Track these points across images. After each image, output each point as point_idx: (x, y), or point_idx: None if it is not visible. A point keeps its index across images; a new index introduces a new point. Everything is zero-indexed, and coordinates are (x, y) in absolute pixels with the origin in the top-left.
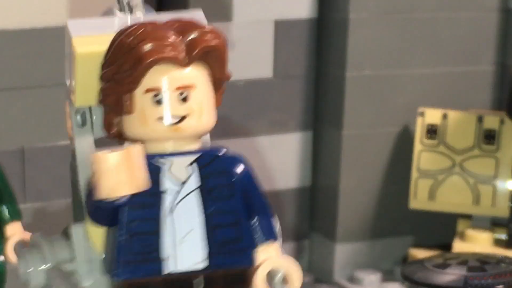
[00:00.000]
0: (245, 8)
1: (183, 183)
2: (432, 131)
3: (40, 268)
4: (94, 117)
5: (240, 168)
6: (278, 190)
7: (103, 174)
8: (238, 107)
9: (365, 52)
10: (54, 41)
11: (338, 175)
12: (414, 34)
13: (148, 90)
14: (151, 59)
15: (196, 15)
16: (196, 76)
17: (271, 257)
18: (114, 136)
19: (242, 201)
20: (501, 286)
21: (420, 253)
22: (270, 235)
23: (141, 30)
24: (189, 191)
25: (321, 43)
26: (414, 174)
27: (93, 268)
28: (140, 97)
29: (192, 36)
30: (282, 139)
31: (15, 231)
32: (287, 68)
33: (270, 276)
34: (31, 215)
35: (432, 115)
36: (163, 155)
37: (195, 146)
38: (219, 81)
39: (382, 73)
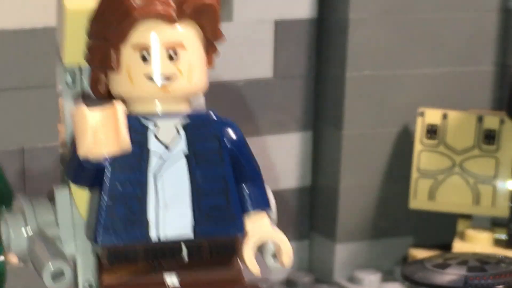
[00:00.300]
0: (245, 8)
1: (170, 146)
2: (432, 131)
3: (20, 231)
4: (83, 77)
5: (230, 133)
6: (278, 190)
7: (82, 131)
8: (238, 107)
9: (365, 52)
10: (54, 41)
11: (338, 175)
12: (414, 34)
13: (135, 46)
14: (138, 13)
15: None
16: (186, 34)
17: (261, 227)
18: (101, 96)
19: (231, 167)
20: (501, 286)
21: (420, 253)
22: (260, 204)
23: None
24: (176, 155)
25: (321, 43)
26: (414, 174)
27: (77, 233)
28: (127, 54)
29: None
30: (282, 139)
31: None
32: (287, 68)
33: (260, 247)
34: None
35: (432, 115)
36: (150, 116)
37: (184, 108)
38: (211, 41)
39: (382, 73)
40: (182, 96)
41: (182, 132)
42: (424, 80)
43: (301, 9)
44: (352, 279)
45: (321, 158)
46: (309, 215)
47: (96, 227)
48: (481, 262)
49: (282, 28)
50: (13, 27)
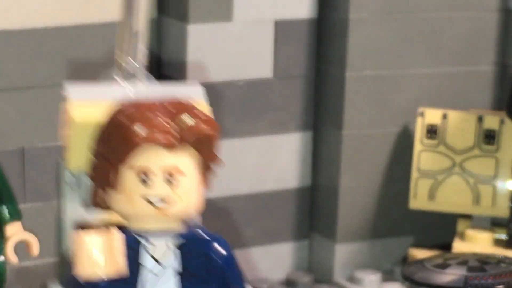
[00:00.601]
0: (245, 8)
1: (163, 263)
2: (432, 131)
3: None
4: (86, 182)
5: (219, 250)
6: (278, 190)
7: (81, 255)
8: (238, 107)
9: (365, 52)
10: (54, 41)
11: (338, 175)
12: (414, 34)
13: (134, 169)
14: (140, 140)
15: (195, 89)
16: (185, 161)
17: None
18: (101, 209)
19: (219, 285)
20: (501, 286)
21: (420, 253)
22: None
23: (135, 110)
24: (168, 271)
25: (321, 43)
26: (414, 174)
27: None
28: (127, 175)
29: (185, 123)
30: (282, 139)
31: (15, 231)
32: (287, 68)
33: None
34: (31, 215)
35: (432, 115)
36: (144, 233)
37: (177, 226)
38: (208, 165)
39: (382, 73)
40: (177, 217)
41: (174, 250)
42: (424, 80)
43: (301, 9)
44: (352, 279)
45: (321, 158)
46: (309, 215)
47: None
48: (481, 262)
49: (282, 28)
50: (13, 27)
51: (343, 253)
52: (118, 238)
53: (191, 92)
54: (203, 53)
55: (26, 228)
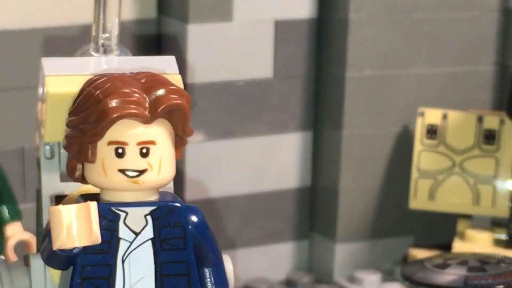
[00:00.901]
0: (245, 8)
1: (138, 233)
2: (432, 131)
3: None
4: (61, 151)
5: (194, 220)
6: (278, 190)
7: (56, 227)
8: (238, 107)
9: (365, 52)
10: (54, 41)
11: (338, 175)
12: (414, 34)
13: (110, 143)
14: (115, 115)
15: (168, 62)
16: (158, 133)
17: None
18: (77, 180)
19: (194, 253)
20: (501, 286)
21: (420, 253)
22: (219, 285)
23: (108, 84)
24: (143, 241)
25: (321, 43)
26: (414, 174)
27: None
28: (103, 148)
29: (157, 94)
30: (282, 139)
31: (15, 231)
32: (287, 68)
33: None
34: (31, 215)
35: (432, 115)
36: (120, 205)
37: (152, 197)
38: (180, 137)
39: (382, 73)
40: (151, 187)
41: (149, 220)
42: (424, 80)
43: (301, 9)
44: (352, 279)
45: (321, 158)
46: (309, 215)
47: None
48: (481, 262)
49: (282, 28)
50: (13, 27)
51: (343, 253)
52: (93, 208)
53: (165, 65)
54: (203, 53)
55: (26, 228)
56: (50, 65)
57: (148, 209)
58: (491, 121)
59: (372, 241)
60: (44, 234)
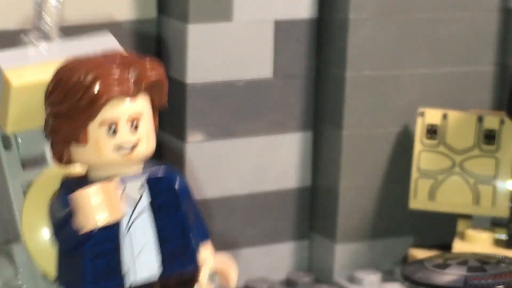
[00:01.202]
0: (245, 8)
1: (137, 203)
2: (432, 131)
3: None
4: (19, 140)
5: (179, 182)
6: (278, 190)
7: (86, 210)
8: (238, 107)
9: (365, 52)
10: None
11: (338, 175)
12: (414, 34)
13: (102, 123)
14: (108, 96)
15: (108, 39)
16: (142, 105)
17: (210, 256)
18: (66, 164)
19: (182, 214)
20: (501, 286)
21: (420, 253)
22: (204, 236)
23: (90, 68)
24: (141, 209)
25: (321, 43)
26: (414, 174)
27: (38, 283)
28: (95, 129)
29: (136, 71)
30: (282, 139)
31: None
32: (287, 68)
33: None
34: None
35: (432, 115)
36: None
37: (141, 168)
38: (157, 107)
39: (382, 73)
40: (141, 159)
41: (145, 189)
42: (424, 80)
43: (301, 9)
44: (352, 279)
45: (321, 158)
46: (309, 215)
47: (81, 283)
48: (481, 262)
49: (282, 28)
50: (13, 27)
51: (343, 253)
52: (115, 186)
53: (106, 43)
54: (203, 53)
55: None
56: (4, 58)
57: (142, 179)
58: (491, 121)
59: (372, 241)
60: (59, 222)
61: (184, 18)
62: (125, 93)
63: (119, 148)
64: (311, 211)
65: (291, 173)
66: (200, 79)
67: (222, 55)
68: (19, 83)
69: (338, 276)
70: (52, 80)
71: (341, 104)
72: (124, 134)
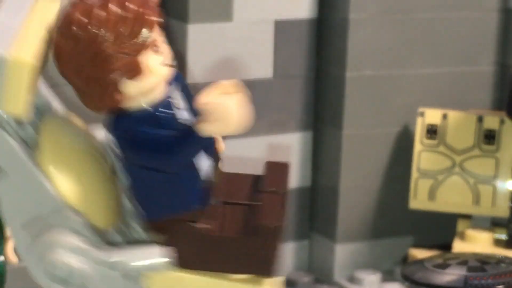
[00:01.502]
0: (245, 8)
1: (183, 110)
2: (432, 131)
3: None
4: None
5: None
6: None
7: (232, 114)
8: None
9: (365, 52)
10: None
11: (338, 175)
12: (414, 34)
13: (149, 47)
14: (151, 41)
15: None
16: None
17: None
18: (119, 105)
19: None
20: (501, 286)
21: (420, 253)
22: None
23: (118, 9)
24: (186, 113)
25: (321, 43)
26: (414, 174)
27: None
28: (146, 56)
29: (146, 4)
30: (282, 139)
31: None
32: (287, 68)
33: None
34: None
35: (432, 115)
36: (164, 96)
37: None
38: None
39: (382, 73)
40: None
41: (180, 96)
42: (424, 80)
43: (301, 9)
44: (352, 279)
45: (321, 158)
46: (309, 215)
47: (187, 199)
48: (481, 262)
49: (282, 28)
50: None
51: (343, 253)
52: (243, 95)
53: None
54: (203, 53)
55: None
56: None
57: (178, 87)
58: (491, 121)
59: (372, 241)
60: (171, 141)
61: (184, 18)
62: (156, 23)
63: (165, 63)
64: (311, 211)
65: (291, 173)
66: (200, 79)
67: (222, 55)
68: (17, 59)
69: (338, 276)
70: (79, 36)
71: (341, 104)
72: (164, 50)
